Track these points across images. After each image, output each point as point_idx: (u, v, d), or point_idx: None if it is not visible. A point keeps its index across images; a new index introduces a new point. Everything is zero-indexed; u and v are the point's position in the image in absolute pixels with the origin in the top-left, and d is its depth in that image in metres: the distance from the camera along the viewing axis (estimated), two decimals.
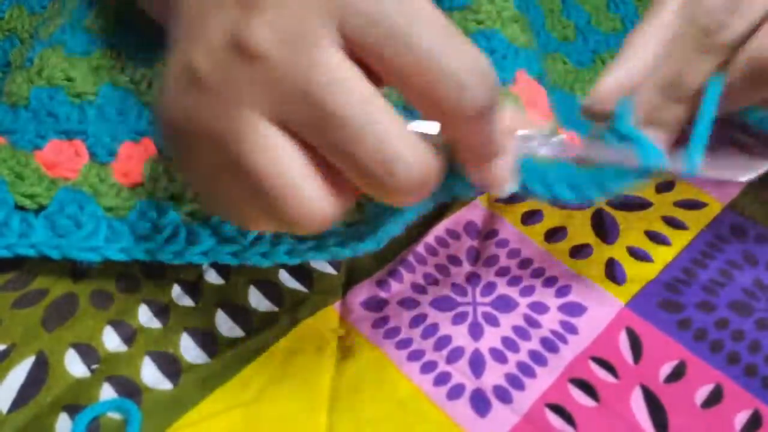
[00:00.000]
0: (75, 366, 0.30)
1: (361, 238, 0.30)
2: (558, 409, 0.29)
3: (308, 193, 0.23)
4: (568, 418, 0.28)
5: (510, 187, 0.27)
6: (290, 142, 0.23)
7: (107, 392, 0.29)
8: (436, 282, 0.34)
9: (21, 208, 0.33)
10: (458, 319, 0.32)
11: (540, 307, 0.32)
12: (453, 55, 0.22)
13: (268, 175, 0.23)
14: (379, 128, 0.22)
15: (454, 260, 0.35)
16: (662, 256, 0.34)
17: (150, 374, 0.30)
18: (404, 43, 0.22)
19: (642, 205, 0.37)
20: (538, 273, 0.34)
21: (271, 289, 0.33)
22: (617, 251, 0.35)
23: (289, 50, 0.22)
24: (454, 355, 0.30)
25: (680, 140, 0.30)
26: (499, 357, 0.30)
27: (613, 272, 0.34)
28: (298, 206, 0.23)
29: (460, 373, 0.30)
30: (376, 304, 0.33)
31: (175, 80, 0.24)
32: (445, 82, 0.22)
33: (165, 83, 0.25)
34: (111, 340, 0.31)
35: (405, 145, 0.23)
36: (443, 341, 0.31)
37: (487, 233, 0.36)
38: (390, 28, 0.22)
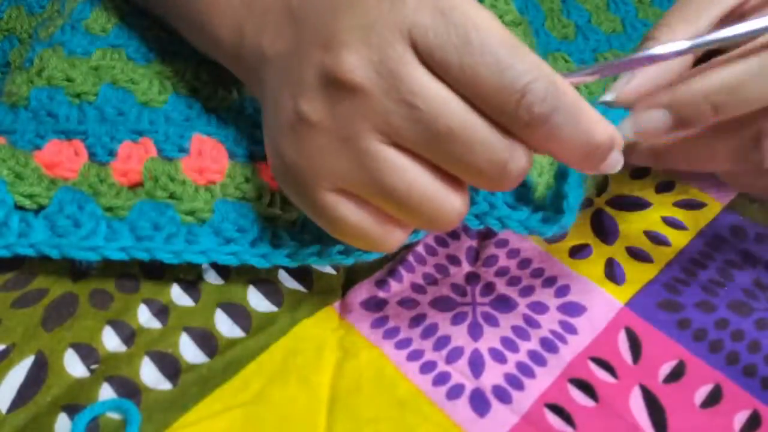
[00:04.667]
0: (74, 366, 0.30)
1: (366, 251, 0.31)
2: (557, 409, 0.29)
3: (441, 196, 0.26)
4: (567, 418, 0.28)
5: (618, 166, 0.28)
6: (410, 159, 0.26)
7: (107, 392, 0.29)
8: (435, 282, 0.34)
9: (20, 207, 0.33)
10: (458, 319, 0.32)
11: (539, 307, 0.32)
12: (515, 63, 0.24)
13: (402, 190, 0.26)
14: (483, 134, 0.25)
15: (454, 260, 0.35)
16: (662, 256, 0.34)
17: (149, 374, 0.30)
18: (476, 60, 0.24)
19: (642, 205, 0.37)
20: (537, 273, 0.34)
21: (270, 289, 0.33)
22: (617, 251, 0.35)
23: (383, 76, 0.25)
24: (454, 355, 0.30)
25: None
26: (498, 357, 0.30)
27: (613, 272, 0.34)
28: (437, 209, 0.26)
29: (460, 373, 0.30)
30: (375, 304, 0.33)
31: (291, 131, 0.27)
32: (510, 88, 0.24)
33: (276, 136, 0.28)
34: (110, 340, 0.31)
35: (504, 144, 0.25)
36: (443, 341, 0.31)
37: (487, 233, 0.36)
38: (456, 41, 0.24)
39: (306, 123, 0.26)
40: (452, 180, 0.26)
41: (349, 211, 0.27)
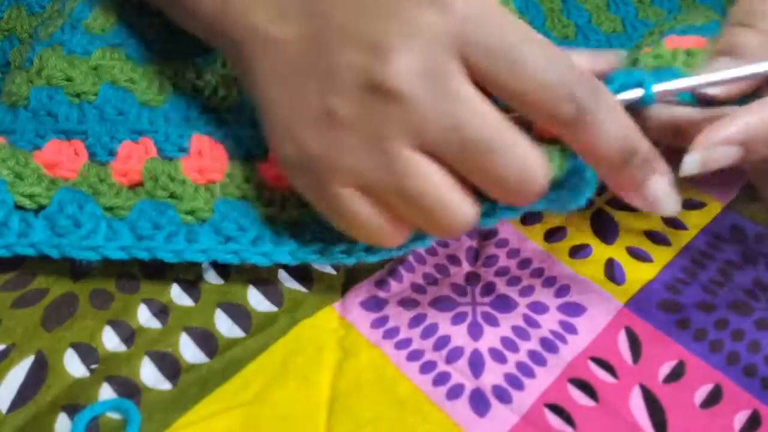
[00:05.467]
0: (74, 366, 0.30)
1: (368, 249, 0.31)
2: (557, 409, 0.29)
3: (456, 203, 0.27)
4: (567, 418, 0.28)
5: (672, 205, 0.30)
6: (434, 164, 0.26)
7: (106, 392, 0.29)
8: (435, 282, 0.34)
9: (20, 207, 0.33)
10: (458, 319, 0.32)
11: (539, 307, 0.32)
12: (559, 71, 0.25)
13: (423, 195, 0.26)
14: (519, 151, 0.26)
15: (454, 260, 0.35)
16: (662, 256, 0.34)
17: (149, 374, 0.30)
18: (521, 68, 0.25)
19: None
20: (537, 273, 0.34)
21: (270, 289, 0.33)
22: (617, 251, 0.35)
23: (428, 87, 0.25)
24: (454, 355, 0.30)
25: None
26: (498, 357, 0.30)
27: (613, 272, 0.34)
28: (451, 216, 0.27)
29: (460, 373, 0.30)
30: (375, 304, 0.33)
31: (315, 123, 0.27)
32: (557, 98, 0.26)
33: (294, 126, 0.28)
34: (110, 340, 0.31)
35: (539, 160, 0.26)
36: (442, 341, 0.31)
37: (487, 233, 0.36)
38: (507, 57, 0.25)
39: (335, 119, 0.27)
40: (468, 188, 0.27)
41: (361, 207, 0.28)
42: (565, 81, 0.25)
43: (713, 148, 0.28)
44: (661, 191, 0.29)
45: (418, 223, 0.28)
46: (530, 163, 0.26)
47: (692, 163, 0.29)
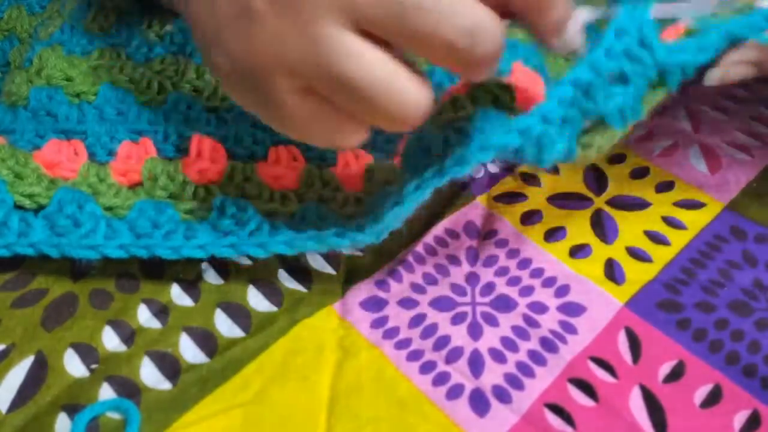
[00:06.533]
0: (74, 366, 0.30)
1: (361, 229, 0.30)
2: (557, 409, 0.29)
3: (402, 87, 0.24)
4: (567, 418, 0.28)
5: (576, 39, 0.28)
6: (371, 45, 0.24)
7: (106, 392, 0.29)
8: (435, 282, 0.34)
9: (20, 207, 0.33)
10: (457, 319, 0.32)
11: (539, 307, 0.32)
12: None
13: (362, 78, 0.24)
14: (458, 4, 0.24)
15: (454, 260, 0.35)
16: (662, 256, 0.34)
17: (149, 374, 0.30)
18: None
19: (641, 205, 0.37)
20: (537, 273, 0.34)
21: (270, 289, 0.33)
22: (617, 251, 0.35)
23: None
24: (454, 355, 0.30)
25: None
26: (498, 357, 0.30)
27: (613, 272, 0.34)
28: (397, 101, 0.25)
29: (459, 373, 0.30)
30: (375, 304, 0.33)
31: (235, 23, 0.25)
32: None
33: (219, 32, 0.26)
34: (110, 340, 0.31)
35: (483, 12, 0.24)
36: (442, 341, 0.31)
37: (487, 233, 0.36)
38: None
39: (253, 12, 0.25)
40: (414, 70, 0.25)
41: (306, 108, 0.26)
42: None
43: (734, 66, 0.33)
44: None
45: (365, 114, 0.26)
46: (481, 17, 0.24)
47: (713, 75, 0.33)
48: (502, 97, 0.31)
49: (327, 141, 0.27)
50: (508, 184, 0.39)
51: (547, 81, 0.39)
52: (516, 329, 0.31)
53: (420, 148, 0.31)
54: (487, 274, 0.34)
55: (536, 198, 0.38)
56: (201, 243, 0.32)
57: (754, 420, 0.28)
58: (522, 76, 0.36)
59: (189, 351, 0.31)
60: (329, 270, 0.34)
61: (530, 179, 0.39)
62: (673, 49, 0.28)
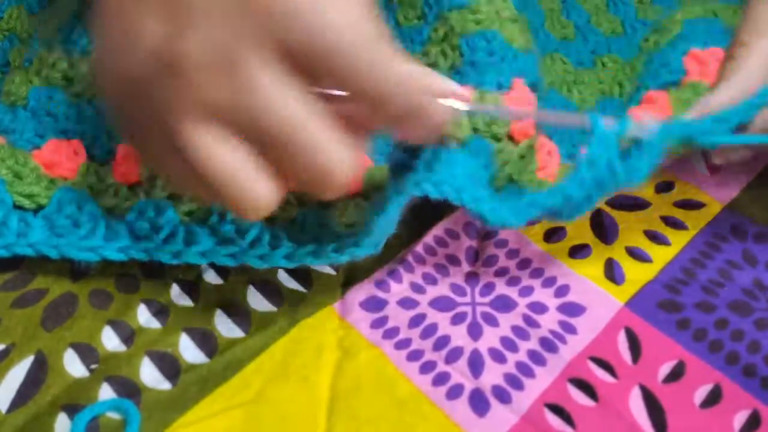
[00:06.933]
0: (74, 366, 0.30)
1: (357, 244, 0.30)
2: (557, 409, 0.29)
3: (246, 181, 0.25)
4: (567, 418, 0.28)
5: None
6: (225, 134, 0.24)
7: (106, 392, 0.29)
8: (435, 282, 0.34)
9: (19, 207, 0.33)
10: (457, 319, 0.32)
11: (539, 307, 0.32)
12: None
13: (207, 167, 0.24)
14: (307, 141, 0.24)
15: (453, 260, 0.35)
16: (661, 256, 0.34)
17: (149, 374, 0.30)
18: (333, 56, 0.24)
19: (641, 205, 0.37)
20: (537, 273, 0.34)
21: (270, 289, 0.33)
22: (616, 251, 0.35)
23: (217, 68, 0.23)
24: (453, 355, 0.30)
25: None
26: (498, 357, 0.30)
27: (612, 272, 0.34)
28: (239, 194, 0.25)
29: (459, 373, 0.30)
30: (375, 304, 0.33)
31: (116, 80, 0.26)
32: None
33: (109, 75, 0.26)
34: (110, 340, 0.31)
35: (336, 153, 0.25)
36: (442, 341, 0.31)
37: (486, 233, 0.36)
38: (323, 44, 0.23)
39: (133, 80, 0.25)
40: (272, 168, 0.25)
41: (165, 165, 0.26)
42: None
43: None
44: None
45: (213, 198, 0.26)
46: (329, 156, 0.24)
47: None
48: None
49: (190, 196, 0.29)
50: None
51: (545, 92, 0.39)
52: (516, 329, 0.31)
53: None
54: (486, 274, 0.34)
55: None
56: (202, 250, 0.32)
57: (754, 420, 0.28)
58: (518, 95, 0.36)
59: (189, 351, 0.31)
60: (329, 270, 0.34)
61: None
62: (635, 168, 0.30)
